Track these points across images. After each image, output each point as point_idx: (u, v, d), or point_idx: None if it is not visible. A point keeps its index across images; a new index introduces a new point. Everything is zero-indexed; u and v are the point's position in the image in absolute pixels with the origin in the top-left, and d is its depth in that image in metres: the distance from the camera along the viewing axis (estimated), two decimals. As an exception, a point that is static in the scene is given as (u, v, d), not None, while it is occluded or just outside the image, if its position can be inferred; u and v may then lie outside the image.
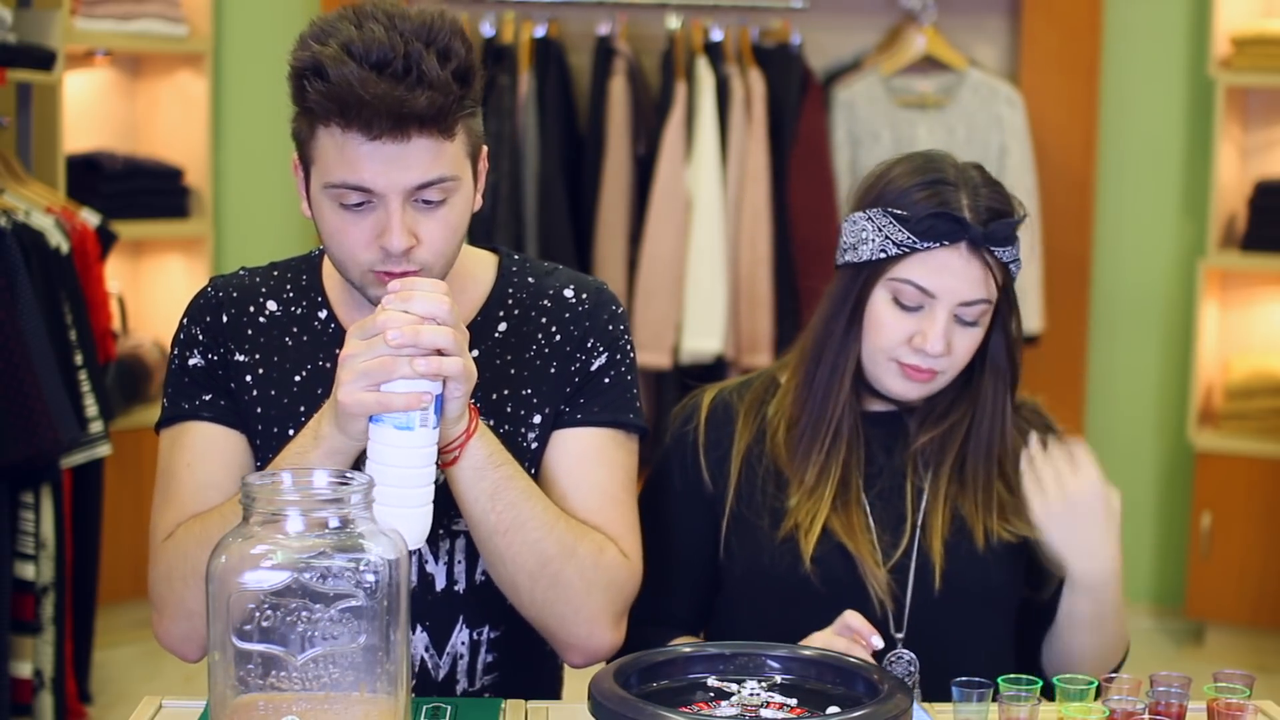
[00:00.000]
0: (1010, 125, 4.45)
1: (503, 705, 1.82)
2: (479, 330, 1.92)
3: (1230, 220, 4.63)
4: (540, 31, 4.43)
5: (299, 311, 1.94)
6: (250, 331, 1.93)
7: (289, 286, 1.96)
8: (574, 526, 1.85)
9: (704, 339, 4.38)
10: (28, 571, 3.44)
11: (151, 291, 4.71)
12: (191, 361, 1.92)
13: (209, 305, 1.95)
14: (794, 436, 2.02)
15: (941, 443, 2.02)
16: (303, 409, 1.88)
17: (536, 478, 1.91)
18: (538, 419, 1.92)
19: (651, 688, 1.67)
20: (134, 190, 4.42)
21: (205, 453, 1.89)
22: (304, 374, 1.91)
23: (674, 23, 4.47)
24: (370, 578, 1.49)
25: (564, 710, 1.84)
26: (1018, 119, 4.46)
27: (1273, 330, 4.72)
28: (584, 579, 1.84)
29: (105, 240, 3.82)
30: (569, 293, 1.96)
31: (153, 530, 1.90)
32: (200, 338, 1.93)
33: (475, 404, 1.77)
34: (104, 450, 3.65)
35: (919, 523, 2.00)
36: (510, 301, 1.95)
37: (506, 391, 1.92)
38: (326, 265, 1.98)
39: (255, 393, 1.90)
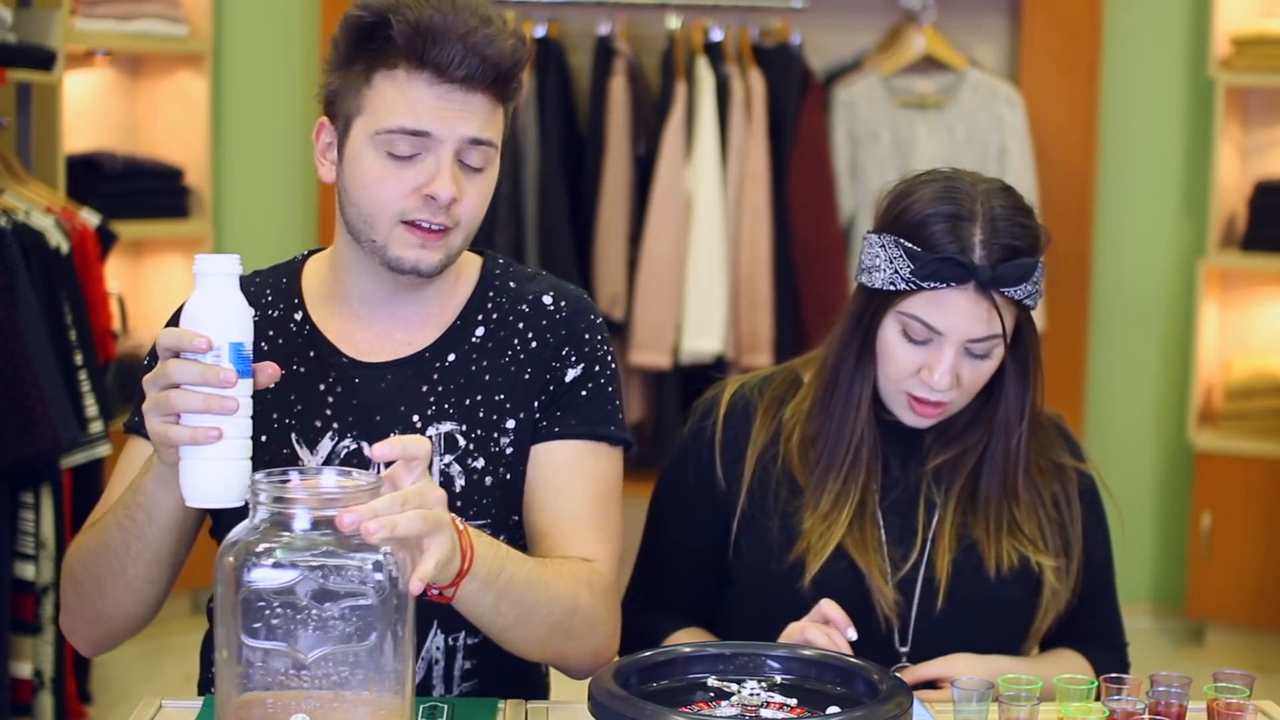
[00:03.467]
0: (1010, 125, 4.45)
1: (501, 705, 1.82)
2: (457, 334, 1.93)
3: (1230, 220, 4.63)
4: (540, 31, 4.43)
5: (276, 314, 1.94)
6: None
7: (269, 291, 1.96)
8: (569, 581, 1.83)
9: (704, 339, 4.38)
10: (28, 571, 3.44)
11: (151, 291, 4.71)
12: None
13: None
14: (811, 456, 2.01)
15: (956, 462, 2.01)
16: (275, 415, 1.88)
17: (510, 483, 1.91)
18: (511, 424, 1.92)
19: (651, 688, 1.67)
20: (134, 190, 4.42)
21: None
22: (278, 382, 1.89)
23: (674, 23, 4.47)
24: (378, 576, 1.49)
25: (564, 710, 1.83)
26: (1018, 119, 4.46)
27: (1273, 330, 4.72)
28: (589, 621, 1.84)
29: (105, 240, 3.82)
30: (548, 300, 1.96)
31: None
32: None
33: (462, 525, 1.67)
34: (104, 450, 3.65)
35: (929, 538, 1.99)
36: (490, 305, 1.95)
37: (480, 397, 1.91)
38: (308, 269, 1.98)
39: None
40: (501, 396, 1.92)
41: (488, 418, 1.91)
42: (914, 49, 4.52)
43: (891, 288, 1.90)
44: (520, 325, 1.94)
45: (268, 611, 1.47)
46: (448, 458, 1.90)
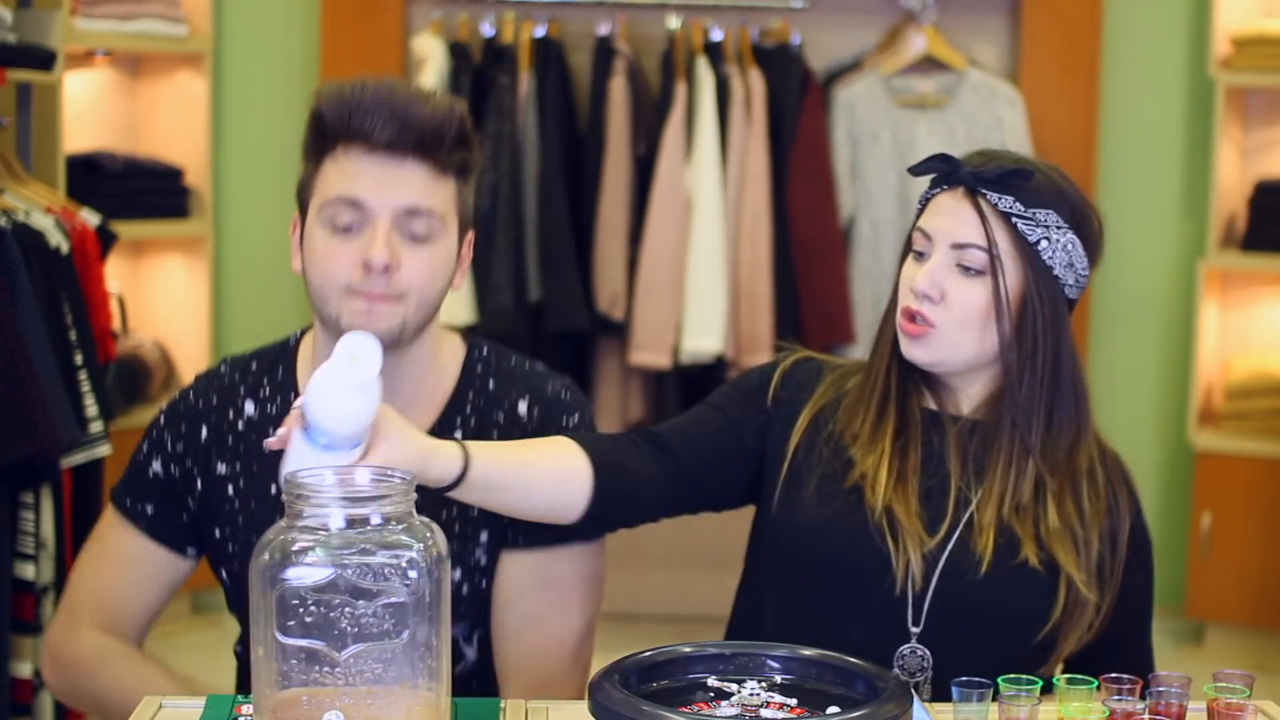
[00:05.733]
0: (1010, 125, 4.45)
1: (502, 705, 1.83)
2: (438, 436, 1.93)
3: (1230, 220, 4.63)
4: (540, 31, 4.43)
5: (274, 411, 1.97)
6: (230, 440, 1.97)
7: (265, 382, 1.99)
8: None
9: (704, 339, 4.38)
10: (28, 571, 3.44)
11: (151, 291, 4.71)
12: (153, 468, 1.99)
13: (189, 414, 1.99)
14: (856, 394, 2.04)
15: (984, 443, 1.98)
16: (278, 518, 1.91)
17: (484, 590, 1.98)
18: (484, 536, 1.97)
19: (651, 688, 1.67)
20: (134, 190, 4.42)
21: (134, 562, 2.00)
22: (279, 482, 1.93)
23: (674, 23, 4.47)
24: (412, 574, 1.51)
25: (564, 710, 1.84)
26: (1018, 119, 4.46)
27: (1273, 330, 4.72)
28: None
29: (105, 240, 3.81)
30: (522, 408, 1.99)
31: (70, 587, 2.01)
32: (169, 448, 1.99)
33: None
34: (104, 450, 3.65)
35: (957, 527, 1.96)
36: (469, 409, 1.98)
37: (455, 510, 1.95)
38: (303, 351, 2.01)
39: (236, 504, 1.95)
40: (476, 512, 1.96)
41: (464, 532, 1.96)
42: (914, 49, 4.52)
43: (915, 217, 2.01)
44: (494, 436, 1.97)
45: (303, 609, 1.49)
46: None
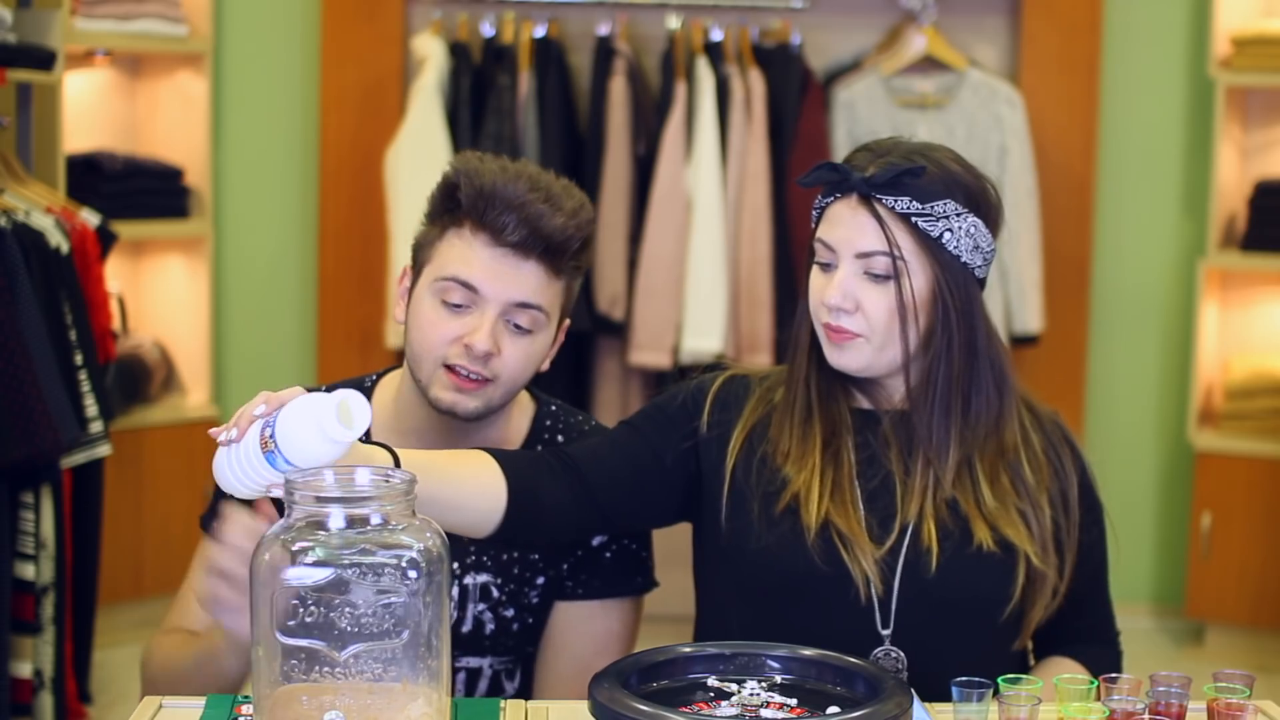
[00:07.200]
0: (1010, 125, 4.45)
1: (502, 705, 1.83)
2: None
3: (1230, 220, 4.63)
4: (540, 31, 4.43)
5: None
6: None
7: None
8: None
9: (704, 339, 4.38)
10: (28, 571, 3.44)
11: (151, 291, 4.71)
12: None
13: None
14: (780, 410, 2.03)
15: (910, 432, 1.98)
16: None
17: (533, 625, 2.06)
18: (541, 580, 2.06)
19: (651, 688, 1.67)
20: (134, 190, 4.42)
21: None
22: None
23: (674, 23, 4.47)
24: (412, 574, 1.51)
25: (564, 710, 1.84)
26: (1018, 119, 4.46)
27: (1273, 330, 4.72)
28: None
29: (105, 240, 3.82)
30: None
31: (168, 612, 2.09)
32: None
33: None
34: (104, 450, 3.65)
35: (908, 521, 1.96)
36: None
37: (516, 554, 2.05)
38: (380, 395, 2.08)
39: None
40: (536, 556, 2.05)
41: (521, 574, 2.05)
42: (914, 49, 4.52)
43: (813, 224, 1.98)
44: None
45: (303, 609, 1.50)
46: (481, 605, 2.04)
